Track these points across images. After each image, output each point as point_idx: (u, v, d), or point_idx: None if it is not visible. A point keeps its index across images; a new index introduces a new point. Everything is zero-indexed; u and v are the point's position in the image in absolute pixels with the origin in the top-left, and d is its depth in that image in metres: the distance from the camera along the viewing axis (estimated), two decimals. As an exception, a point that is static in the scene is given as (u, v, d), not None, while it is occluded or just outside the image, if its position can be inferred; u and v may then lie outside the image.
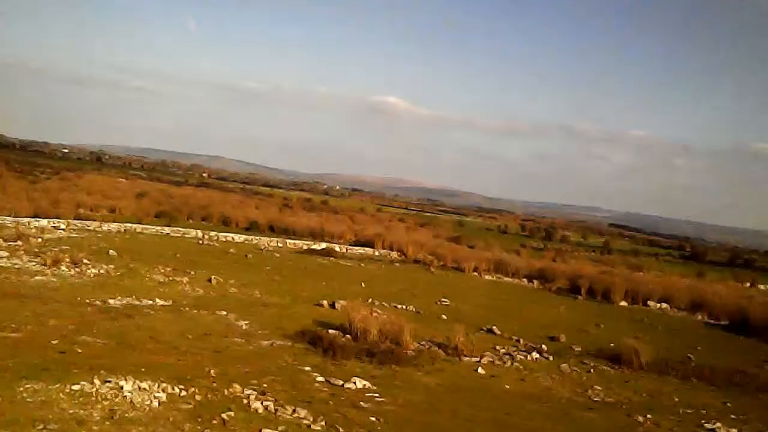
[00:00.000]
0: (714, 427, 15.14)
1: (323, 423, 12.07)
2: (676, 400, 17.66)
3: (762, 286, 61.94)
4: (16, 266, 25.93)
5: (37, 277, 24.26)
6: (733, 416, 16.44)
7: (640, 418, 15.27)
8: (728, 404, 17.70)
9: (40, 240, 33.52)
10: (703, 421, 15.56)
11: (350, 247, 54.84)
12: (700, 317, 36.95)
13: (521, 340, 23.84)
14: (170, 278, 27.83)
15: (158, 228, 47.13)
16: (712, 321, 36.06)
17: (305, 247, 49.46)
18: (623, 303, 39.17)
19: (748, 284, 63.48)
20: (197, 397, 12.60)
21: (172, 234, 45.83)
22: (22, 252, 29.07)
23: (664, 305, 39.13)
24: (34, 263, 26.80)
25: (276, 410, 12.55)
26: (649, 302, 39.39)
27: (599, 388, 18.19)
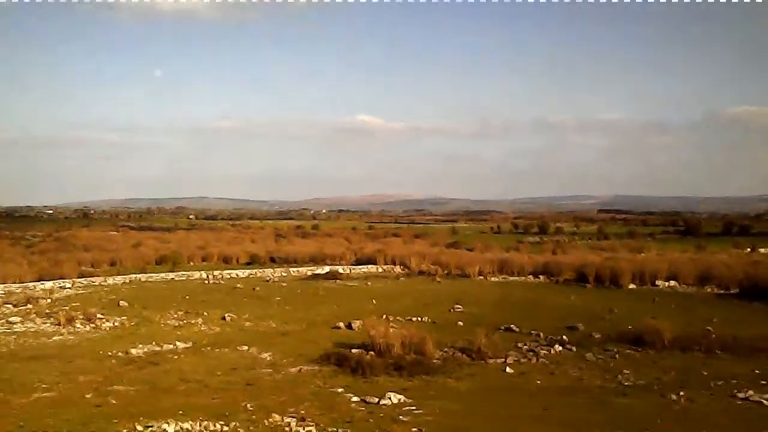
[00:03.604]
0: (747, 395, 15.33)
1: (369, 441, 12.16)
2: (705, 374, 17.81)
3: (763, 250, 62.38)
4: (32, 329, 25.90)
5: (55, 337, 24.26)
6: (763, 382, 16.67)
7: (674, 397, 15.41)
8: (756, 371, 17.89)
9: (49, 301, 33.45)
10: (735, 391, 15.74)
11: (353, 266, 54.85)
12: (709, 289, 37.20)
13: (541, 334, 24.02)
14: (185, 321, 27.88)
15: (162, 274, 47.06)
16: (722, 291, 36.31)
17: (309, 273, 49.49)
18: (632, 286, 39.36)
19: (749, 250, 63.98)
20: (240, 431, 12.69)
21: (176, 278, 45.81)
22: (35, 315, 28.99)
23: (672, 283, 39.37)
24: (48, 324, 26.79)
25: (320, 434, 12.65)
26: (657, 282, 39.60)
27: (628, 372, 18.32)
